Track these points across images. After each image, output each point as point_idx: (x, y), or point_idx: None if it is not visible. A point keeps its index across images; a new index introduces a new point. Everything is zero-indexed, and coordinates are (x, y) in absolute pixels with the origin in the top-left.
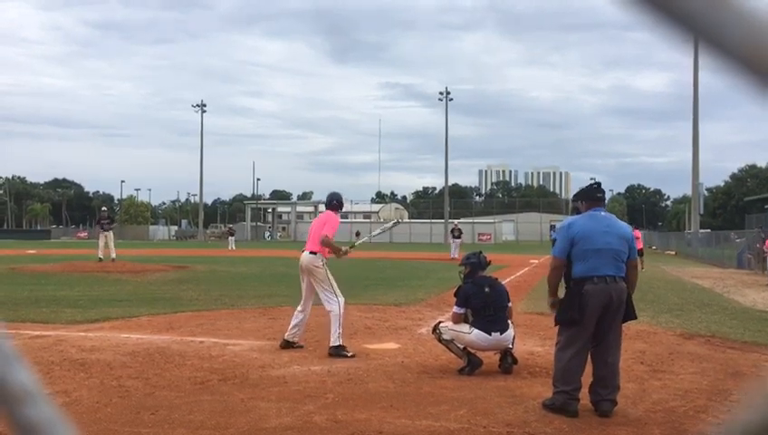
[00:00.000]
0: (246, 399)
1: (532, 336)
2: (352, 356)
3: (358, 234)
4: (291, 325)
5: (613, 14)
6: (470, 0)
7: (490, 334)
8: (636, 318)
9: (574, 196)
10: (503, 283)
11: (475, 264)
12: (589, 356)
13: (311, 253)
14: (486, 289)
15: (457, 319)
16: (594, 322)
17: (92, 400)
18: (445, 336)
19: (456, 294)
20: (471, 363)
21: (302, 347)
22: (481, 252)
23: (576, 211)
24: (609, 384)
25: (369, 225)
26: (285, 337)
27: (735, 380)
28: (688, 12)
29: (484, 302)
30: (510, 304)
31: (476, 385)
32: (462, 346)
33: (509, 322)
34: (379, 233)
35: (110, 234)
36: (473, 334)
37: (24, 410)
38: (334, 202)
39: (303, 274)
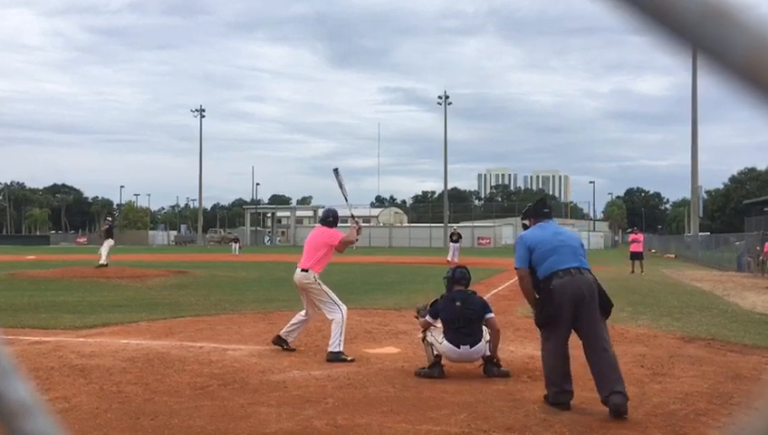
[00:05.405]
0: (246, 404)
1: (532, 340)
2: (352, 361)
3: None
4: (289, 323)
5: (615, 19)
6: (471, 5)
7: (459, 347)
8: (612, 305)
9: (523, 214)
10: (481, 296)
11: (449, 278)
12: (585, 357)
13: (302, 270)
14: (458, 303)
15: (424, 325)
16: (570, 316)
17: (92, 405)
18: (428, 339)
19: (431, 305)
20: (432, 368)
21: (293, 350)
22: (458, 267)
23: (525, 228)
24: (612, 377)
25: (369, 229)
26: (280, 333)
27: (736, 383)
28: (686, 24)
29: (453, 314)
30: (490, 316)
31: (477, 389)
32: (436, 353)
33: (484, 333)
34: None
35: (111, 242)
36: (443, 345)
37: (22, 424)
38: (330, 219)
39: (299, 290)
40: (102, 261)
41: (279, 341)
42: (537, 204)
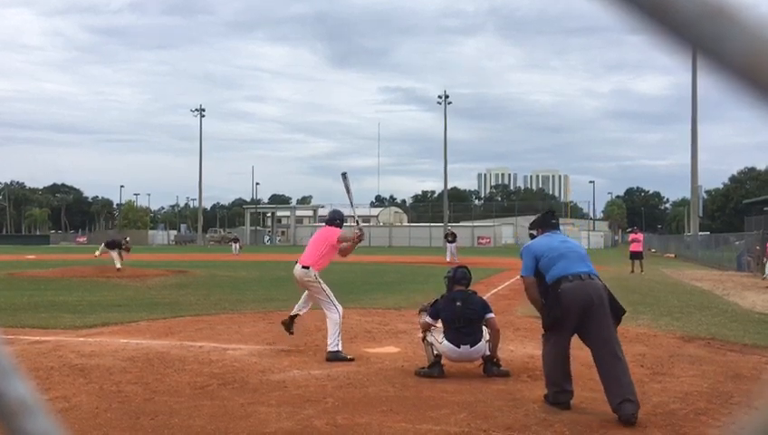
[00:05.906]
0: (246, 403)
1: (532, 340)
2: (351, 359)
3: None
4: (301, 301)
5: (613, 18)
6: (471, 4)
7: (459, 347)
8: (624, 311)
9: (530, 224)
10: (481, 296)
11: (450, 278)
12: (595, 363)
13: (303, 267)
14: (458, 303)
15: (425, 326)
16: (576, 320)
17: (92, 405)
18: (428, 338)
19: (431, 305)
20: (432, 368)
21: (292, 337)
22: (459, 267)
23: (532, 238)
24: (624, 382)
25: (370, 229)
26: (292, 313)
27: (735, 382)
28: (684, 22)
29: (453, 314)
30: (490, 315)
31: (477, 389)
32: (437, 352)
33: (484, 333)
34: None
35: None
36: (443, 345)
37: (22, 424)
38: (336, 221)
39: (299, 285)
40: (117, 265)
41: (290, 321)
42: (545, 215)
